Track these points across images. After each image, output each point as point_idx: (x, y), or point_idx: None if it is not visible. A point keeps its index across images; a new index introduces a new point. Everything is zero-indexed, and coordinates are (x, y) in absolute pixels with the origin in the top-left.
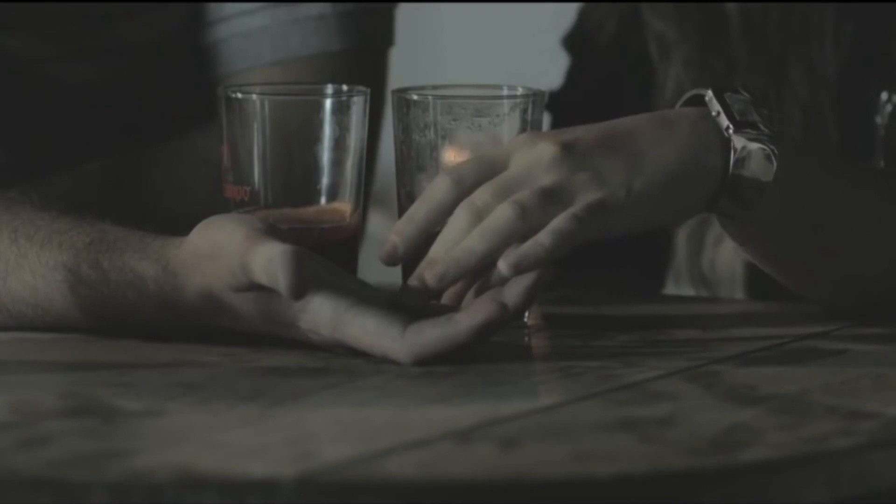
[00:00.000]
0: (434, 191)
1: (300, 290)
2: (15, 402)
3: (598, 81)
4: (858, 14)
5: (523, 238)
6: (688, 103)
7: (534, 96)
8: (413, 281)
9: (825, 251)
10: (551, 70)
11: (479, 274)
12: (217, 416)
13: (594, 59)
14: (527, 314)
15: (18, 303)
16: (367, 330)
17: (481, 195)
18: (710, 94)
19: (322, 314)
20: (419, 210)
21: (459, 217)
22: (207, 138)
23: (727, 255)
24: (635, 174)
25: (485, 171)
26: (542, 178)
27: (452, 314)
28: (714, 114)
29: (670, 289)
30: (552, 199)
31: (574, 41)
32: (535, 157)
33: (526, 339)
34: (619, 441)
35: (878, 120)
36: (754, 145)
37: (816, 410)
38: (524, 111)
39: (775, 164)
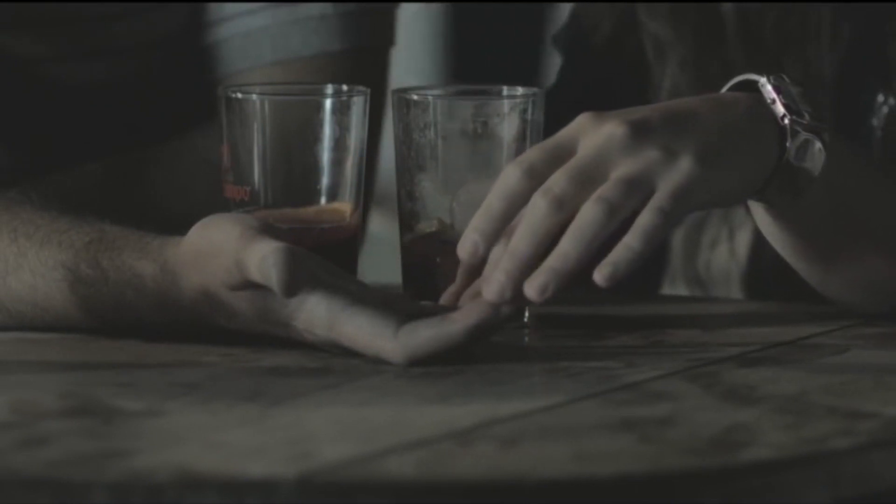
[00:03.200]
0: (506, 182)
1: (292, 287)
2: (15, 402)
3: (591, 81)
4: (855, 16)
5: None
6: (733, 89)
7: (534, 96)
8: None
9: (858, 249)
10: (552, 70)
11: (477, 273)
12: (217, 416)
13: (586, 59)
14: (526, 314)
15: (18, 302)
16: (362, 330)
17: (558, 183)
18: (764, 80)
19: (317, 313)
20: (495, 204)
21: (539, 207)
22: (207, 138)
23: (723, 258)
24: (706, 151)
25: (554, 157)
26: (617, 162)
27: (447, 314)
28: (769, 101)
29: (666, 290)
30: (635, 188)
31: (565, 40)
32: (605, 139)
33: (526, 339)
34: (619, 441)
35: (875, 122)
36: (811, 136)
37: (816, 410)
38: (524, 111)
39: (825, 157)
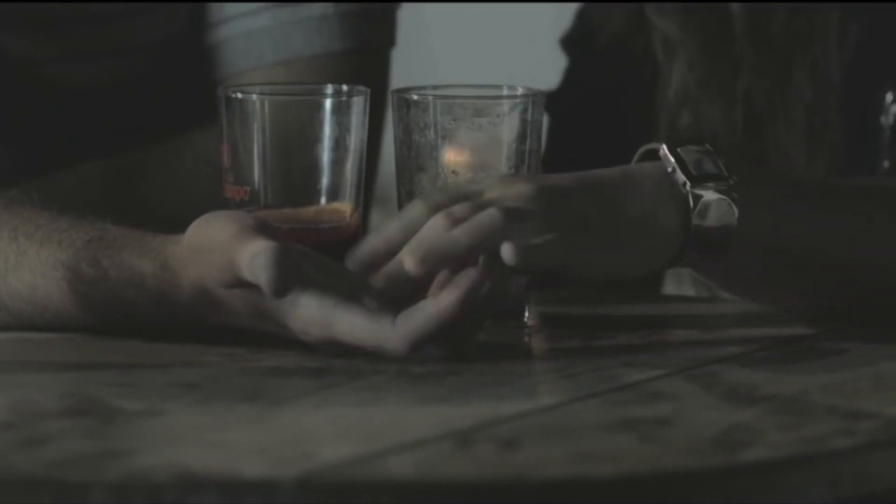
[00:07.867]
0: (408, 212)
1: (281, 288)
2: (15, 402)
3: (598, 82)
4: (863, 15)
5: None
6: (645, 156)
7: (534, 96)
8: (383, 277)
9: (810, 280)
10: (550, 70)
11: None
12: (217, 416)
13: (594, 60)
14: (527, 314)
15: (18, 301)
16: (358, 324)
17: (460, 208)
18: (664, 149)
19: (310, 312)
20: (392, 228)
21: (435, 221)
22: (207, 138)
23: None
24: (603, 222)
25: (460, 198)
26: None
27: (435, 294)
28: (669, 170)
29: (670, 289)
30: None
31: (573, 42)
32: (512, 193)
33: (526, 339)
34: (619, 441)
35: (883, 121)
36: (712, 196)
37: (816, 410)
38: (524, 111)
39: (737, 210)
